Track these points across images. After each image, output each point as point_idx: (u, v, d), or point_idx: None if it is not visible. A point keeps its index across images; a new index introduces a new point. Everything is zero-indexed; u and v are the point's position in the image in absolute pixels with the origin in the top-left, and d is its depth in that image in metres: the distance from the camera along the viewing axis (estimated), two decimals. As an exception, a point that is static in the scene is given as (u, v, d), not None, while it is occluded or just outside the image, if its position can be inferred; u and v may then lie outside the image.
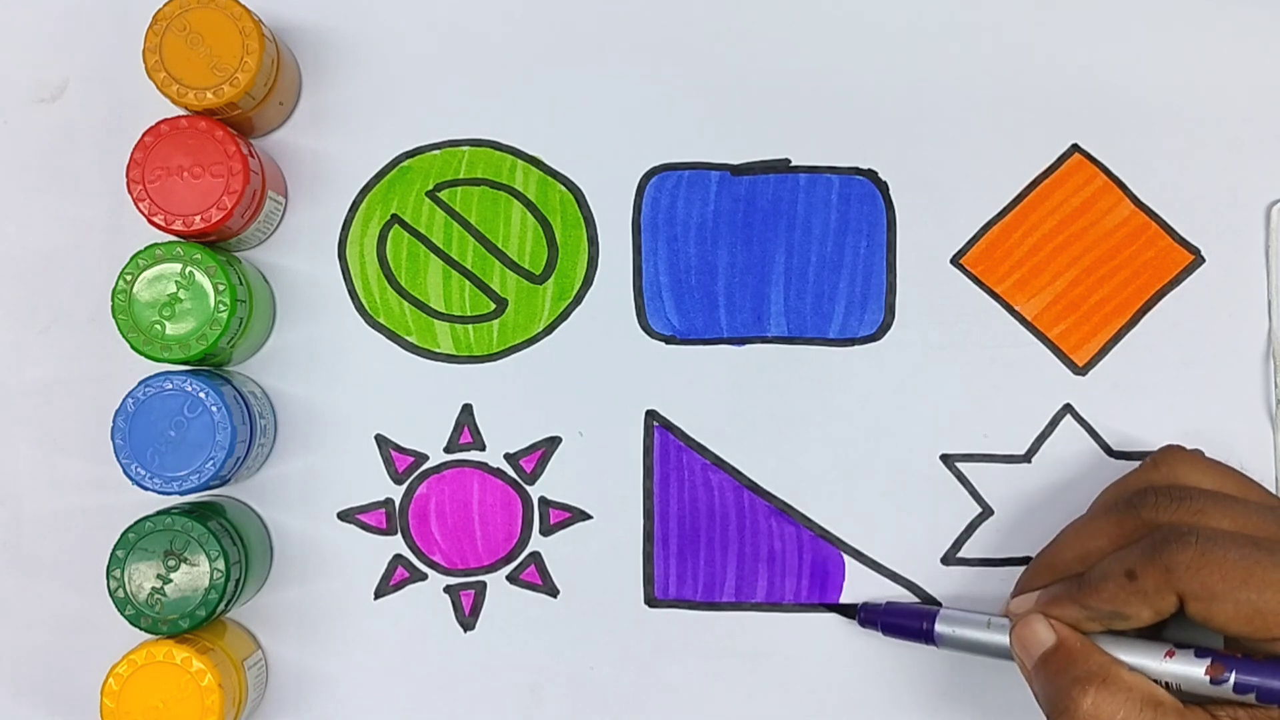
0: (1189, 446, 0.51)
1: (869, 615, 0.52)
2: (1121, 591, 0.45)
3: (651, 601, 0.53)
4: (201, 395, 0.48)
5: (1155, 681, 0.45)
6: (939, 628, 0.49)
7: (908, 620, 0.50)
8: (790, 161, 0.54)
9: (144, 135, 0.49)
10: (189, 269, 0.49)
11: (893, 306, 0.53)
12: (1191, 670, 0.44)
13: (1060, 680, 0.45)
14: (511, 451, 0.53)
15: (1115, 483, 0.50)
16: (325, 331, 0.53)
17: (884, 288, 0.53)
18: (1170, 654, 0.45)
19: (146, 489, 0.48)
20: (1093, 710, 0.43)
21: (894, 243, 0.54)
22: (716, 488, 0.53)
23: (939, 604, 0.52)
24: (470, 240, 0.54)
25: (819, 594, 0.53)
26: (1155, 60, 0.54)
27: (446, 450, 0.53)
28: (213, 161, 0.49)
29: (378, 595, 0.53)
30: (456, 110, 0.54)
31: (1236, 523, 0.45)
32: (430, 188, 0.54)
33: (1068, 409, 0.53)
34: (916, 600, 0.52)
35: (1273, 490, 0.52)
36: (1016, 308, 0.53)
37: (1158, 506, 0.46)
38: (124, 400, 0.48)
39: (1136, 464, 0.51)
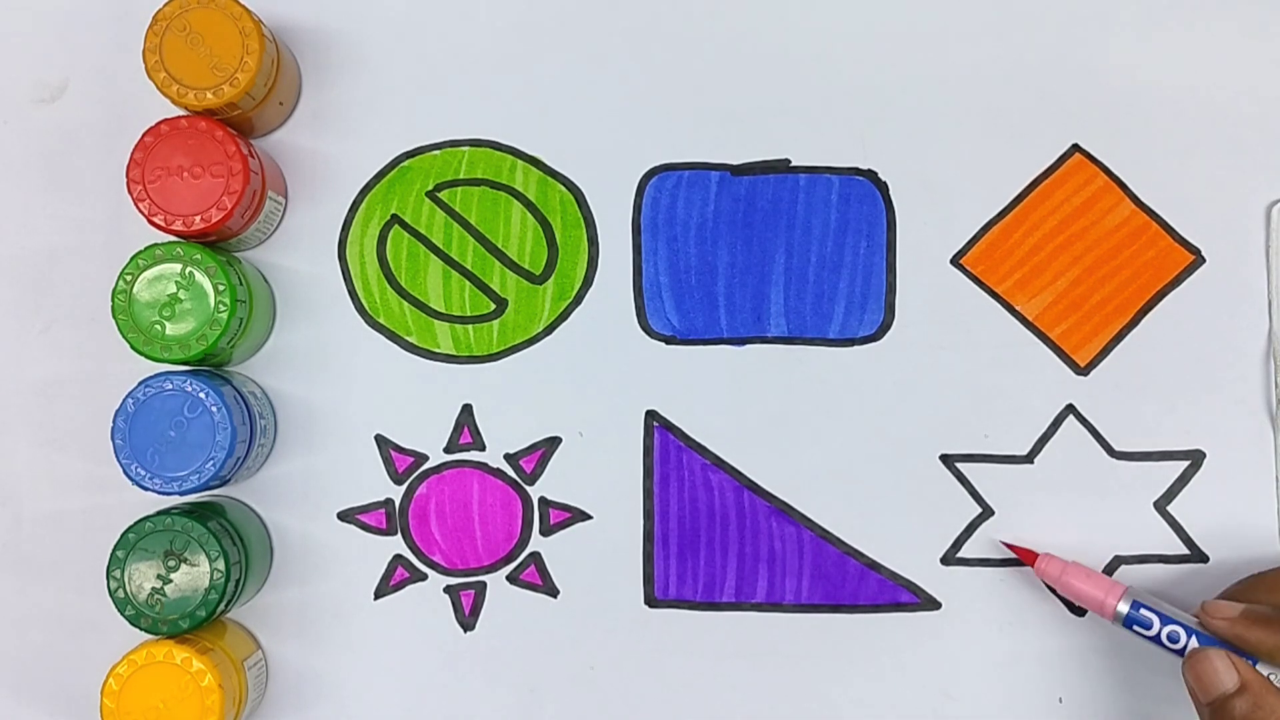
0: (1191, 447, 0.52)
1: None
2: None
3: (651, 601, 0.53)
4: (201, 395, 0.48)
5: None
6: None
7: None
8: (790, 161, 0.54)
9: (144, 135, 0.49)
10: (189, 269, 0.49)
11: (893, 306, 0.53)
12: None
13: None
14: (511, 451, 0.53)
15: None
16: (325, 331, 0.53)
17: (884, 288, 0.53)
18: None
19: (146, 489, 0.48)
20: None
21: (894, 243, 0.54)
22: (716, 488, 0.53)
23: (937, 605, 0.52)
24: (470, 240, 0.54)
25: (821, 594, 0.53)
26: (1155, 60, 0.54)
27: (446, 450, 0.53)
28: (213, 161, 0.49)
29: (378, 595, 0.53)
30: (456, 110, 0.54)
31: None
32: (430, 188, 0.54)
33: (1070, 409, 0.53)
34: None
35: (1273, 495, 0.52)
36: (1017, 308, 0.53)
37: None
38: (124, 400, 0.48)
39: (1138, 463, 0.51)
